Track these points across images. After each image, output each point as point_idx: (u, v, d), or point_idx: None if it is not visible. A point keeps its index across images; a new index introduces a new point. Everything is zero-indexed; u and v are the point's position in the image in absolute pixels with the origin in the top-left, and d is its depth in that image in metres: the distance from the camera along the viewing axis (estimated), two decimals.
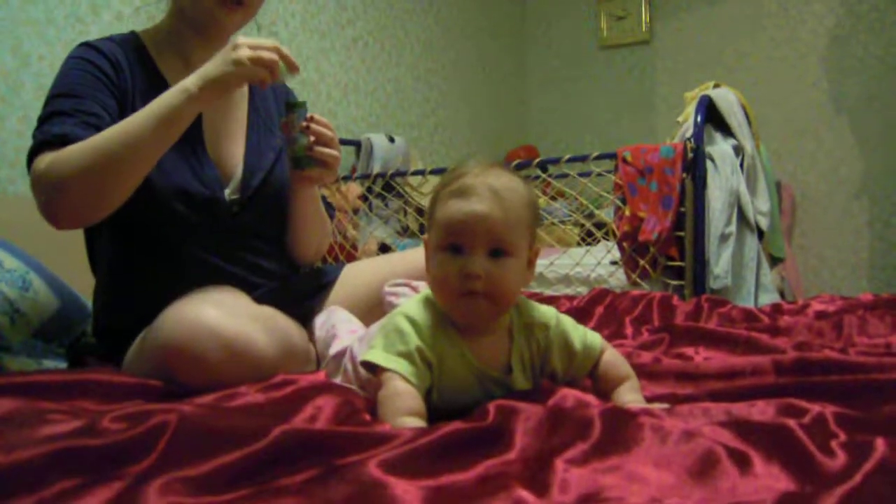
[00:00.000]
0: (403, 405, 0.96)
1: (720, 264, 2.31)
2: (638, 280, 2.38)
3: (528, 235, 1.03)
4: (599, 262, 2.58)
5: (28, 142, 2.33)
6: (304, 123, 1.38)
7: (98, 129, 1.29)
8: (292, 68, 1.29)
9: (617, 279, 2.53)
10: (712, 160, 2.39)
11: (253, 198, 1.47)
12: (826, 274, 4.20)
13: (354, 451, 0.76)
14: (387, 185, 3.20)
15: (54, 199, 1.27)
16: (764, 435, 0.81)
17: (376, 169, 3.34)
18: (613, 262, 2.58)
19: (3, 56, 2.35)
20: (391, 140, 3.48)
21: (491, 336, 1.06)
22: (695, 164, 2.33)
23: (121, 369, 1.31)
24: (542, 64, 5.21)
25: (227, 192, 1.45)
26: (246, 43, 1.25)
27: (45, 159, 1.28)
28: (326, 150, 1.40)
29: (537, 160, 2.62)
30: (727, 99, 2.49)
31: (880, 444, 0.72)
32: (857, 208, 4.10)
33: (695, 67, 4.55)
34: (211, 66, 1.26)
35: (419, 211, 3.47)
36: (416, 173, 2.89)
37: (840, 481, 0.64)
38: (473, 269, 0.98)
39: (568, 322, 1.12)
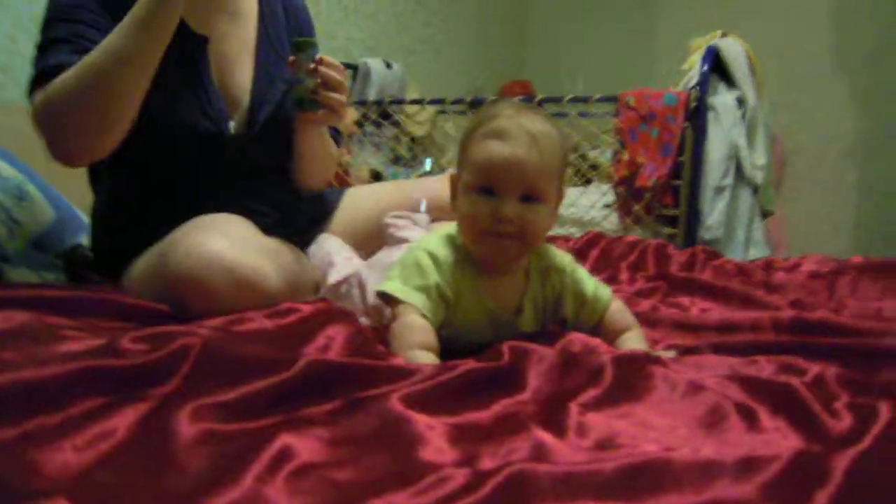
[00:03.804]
0: (417, 339, 0.98)
1: (714, 216, 2.34)
2: (631, 224, 2.40)
3: (558, 181, 1.05)
4: (594, 205, 2.60)
5: (20, 47, 2.29)
6: (312, 65, 1.32)
7: None
8: None
9: (610, 222, 2.55)
10: (715, 111, 2.39)
11: (260, 132, 1.45)
12: (807, 229, 4.23)
13: (376, 385, 0.78)
14: (382, 113, 3.18)
15: (56, 134, 1.24)
16: (769, 391, 0.84)
17: (372, 95, 3.30)
18: (607, 206, 2.60)
19: None
20: (388, 66, 3.43)
21: (507, 277, 1.08)
22: (697, 114, 2.33)
23: (121, 288, 1.31)
24: None
25: (232, 124, 1.42)
26: None
27: (40, 94, 1.24)
28: (333, 95, 1.34)
29: (539, 98, 2.60)
30: (734, 50, 2.47)
31: (885, 410, 0.75)
32: (847, 167, 4.11)
33: (699, 8, 4.47)
34: None
35: (412, 140, 3.45)
36: (414, 102, 2.87)
37: (849, 443, 0.67)
38: (506, 213, 1.00)
39: (582, 271, 1.15)
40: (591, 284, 1.14)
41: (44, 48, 1.29)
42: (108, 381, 0.77)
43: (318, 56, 1.33)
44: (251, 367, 0.76)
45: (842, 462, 0.61)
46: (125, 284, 1.31)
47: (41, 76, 1.26)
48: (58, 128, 1.24)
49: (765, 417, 0.78)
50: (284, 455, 0.60)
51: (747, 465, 0.62)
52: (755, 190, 2.57)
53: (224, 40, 1.44)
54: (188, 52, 1.37)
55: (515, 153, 1.00)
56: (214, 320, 1.06)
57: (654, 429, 0.75)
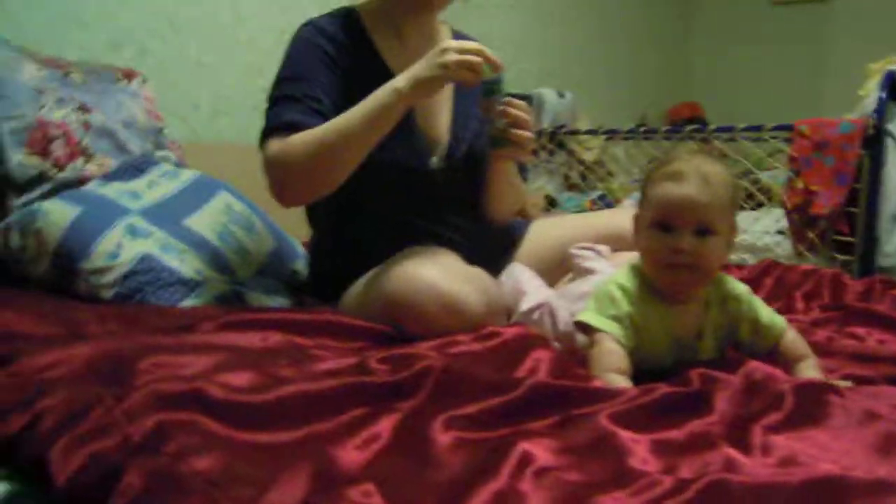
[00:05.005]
0: (613, 363, 1.13)
1: (892, 243, 2.33)
2: (805, 252, 2.43)
3: (730, 217, 1.18)
4: (767, 231, 2.64)
5: (241, 95, 2.59)
6: (501, 107, 1.48)
7: (321, 114, 1.49)
8: (496, 68, 1.41)
9: (783, 249, 2.58)
10: (892, 138, 2.39)
11: (456, 166, 1.64)
12: None
13: (587, 404, 0.93)
14: (554, 140, 3.35)
15: (282, 184, 1.49)
16: None
17: (546, 123, 3.47)
18: (779, 232, 2.63)
19: (223, 13, 2.59)
20: (561, 95, 3.58)
21: (689, 305, 1.21)
22: (874, 142, 2.34)
23: (338, 309, 1.52)
24: (710, 15, 5.09)
25: (434, 160, 1.62)
26: (452, 47, 1.38)
27: (275, 146, 1.48)
28: (521, 133, 1.51)
29: (713, 128, 2.67)
30: None
31: None
32: None
33: (874, 34, 4.32)
34: (420, 68, 1.40)
35: (581, 163, 3.58)
36: (588, 132, 3.01)
37: None
38: (681, 246, 1.13)
39: (757, 300, 1.25)
40: (766, 312, 1.25)
41: (276, 103, 1.53)
42: (364, 394, 0.96)
43: (506, 99, 1.50)
44: (484, 387, 0.94)
45: None
46: (342, 306, 1.53)
47: (275, 128, 1.50)
48: (288, 180, 1.49)
49: None
50: (526, 459, 0.77)
51: None
52: None
53: None
54: None
55: (689, 191, 1.14)
56: (431, 342, 1.25)
57: (831, 451, 0.86)
